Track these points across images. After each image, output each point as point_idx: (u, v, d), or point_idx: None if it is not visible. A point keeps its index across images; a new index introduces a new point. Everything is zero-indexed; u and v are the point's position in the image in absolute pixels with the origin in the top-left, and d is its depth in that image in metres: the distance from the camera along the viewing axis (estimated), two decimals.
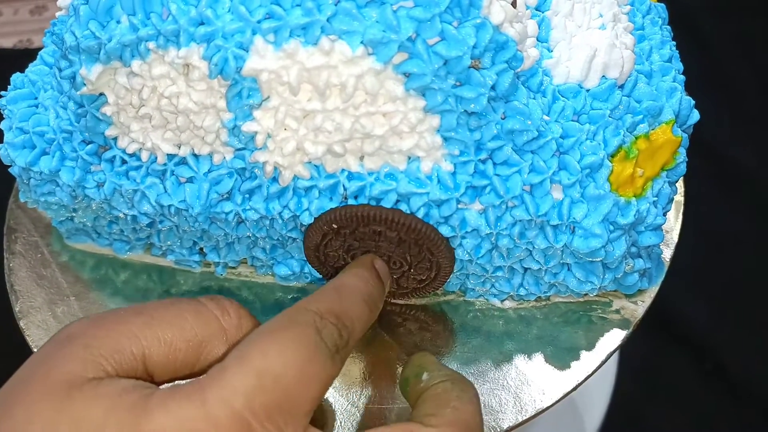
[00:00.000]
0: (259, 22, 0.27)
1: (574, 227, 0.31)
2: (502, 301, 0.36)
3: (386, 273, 0.33)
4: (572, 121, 0.31)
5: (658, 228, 0.32)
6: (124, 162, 0.33)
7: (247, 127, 0.30)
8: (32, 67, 0.36)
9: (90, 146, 0.33)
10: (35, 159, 0.33)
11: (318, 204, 0.32)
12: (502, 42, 0.28)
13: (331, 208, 0.32)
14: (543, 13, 0.33)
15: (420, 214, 0.31)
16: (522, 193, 0.30)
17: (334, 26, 0.27)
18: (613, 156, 0.31)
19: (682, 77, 0.34)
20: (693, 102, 0.33)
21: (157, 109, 0.30)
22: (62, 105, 0.33)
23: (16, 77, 0.35)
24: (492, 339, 0.35)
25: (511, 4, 0.29)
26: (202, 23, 0.27)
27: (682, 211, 0.38)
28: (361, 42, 0.27)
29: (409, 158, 0.30)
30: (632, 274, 0.33)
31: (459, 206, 0.31)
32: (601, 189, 0.31)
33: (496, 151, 0.30)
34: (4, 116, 0.34)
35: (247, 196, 0.32)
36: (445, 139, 0.30)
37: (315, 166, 0.31)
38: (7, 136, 0.34)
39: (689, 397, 0.55)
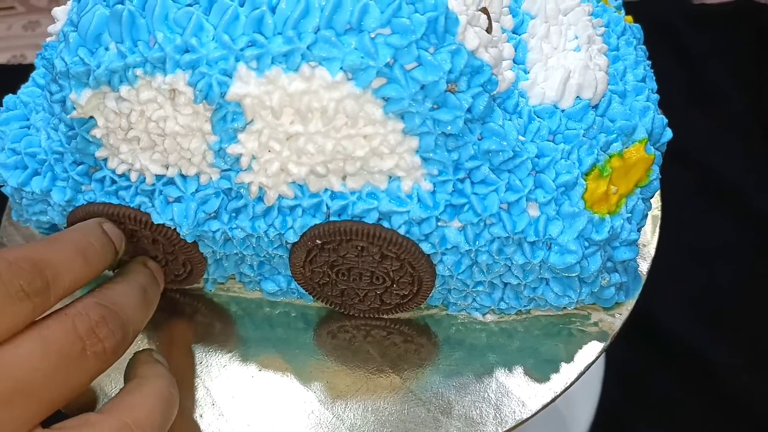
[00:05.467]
0: (242, 49, 0.28)
1: (550, 243, 0.32)
2: (484, 314, 0.36)
3: (117, 234, 0.33)
4: (547, 140, 0.32)
5: (632, 243, 0.33)
6: (113, 182, 0.33)
7: (232, 149, 0.30)
8: (24, 89, 0.37)
9: (81, 167, 0.33)
10: (27, 179, 0.34)
11: (302, 222, 0.32)
12: (477, 66, 0.29)
13: (315, 224, 0.32)
14: (520, 35, 0.34)
15: (401, 232, 0.32)
16: (499, 211, 0.31)
17: (315, 53, 0.28)
18: (587, 174, 0.32)
19: (655, 96, 0.35)
20: (666, 120, 0.34)
21: (145, 132, 0.31)
22: (53, 127, 0.34)
23: (8, 99, 0.36)
24: (475, 352, 0.35)
25: (486, 30, 0.30)
26: (187, 51, 0.28)
27: (659, 225, 0.38)
28: (341, 68, 0.28)
29: (390, 178, 0.31)
30: (609, 288, 0.34)
31: (439, 224, 0.32)
32: (576, 206, 0.31)
33: (474, 170, 0.31)
34: None
35: (233, 215, 0.33)
36: (424, 159, 0.30)
37: (299, 186, 0.32)
38: None
39: (675, 406, 0.55)
